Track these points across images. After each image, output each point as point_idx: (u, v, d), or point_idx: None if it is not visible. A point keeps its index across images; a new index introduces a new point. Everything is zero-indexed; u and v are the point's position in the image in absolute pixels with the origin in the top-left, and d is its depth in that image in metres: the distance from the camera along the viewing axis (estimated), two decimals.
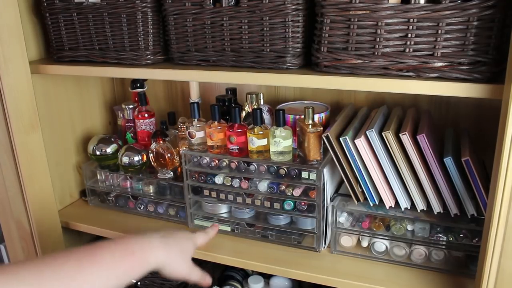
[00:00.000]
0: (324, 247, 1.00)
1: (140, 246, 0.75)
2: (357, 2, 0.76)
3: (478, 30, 0.71)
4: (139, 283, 1.21)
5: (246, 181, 1.00)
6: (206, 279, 0.87)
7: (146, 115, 1.20)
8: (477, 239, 0.87)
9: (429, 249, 0.92)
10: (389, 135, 0.85)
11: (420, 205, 0.89)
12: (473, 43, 0.72)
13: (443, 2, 0.71)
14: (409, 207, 0.91)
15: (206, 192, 1.05)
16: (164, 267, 0.78)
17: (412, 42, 0.75)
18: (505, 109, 0.66)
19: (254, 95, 1.08)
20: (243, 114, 1.08)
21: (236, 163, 1.00)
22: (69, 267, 0.65)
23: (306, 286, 1.16)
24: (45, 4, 1.03)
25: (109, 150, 1.19)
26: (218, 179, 1.02)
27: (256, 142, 0.96)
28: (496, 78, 0.72)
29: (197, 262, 1.07)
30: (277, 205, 0.99)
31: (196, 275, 0.85)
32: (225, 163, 1.01)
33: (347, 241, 0.98)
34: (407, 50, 0.76)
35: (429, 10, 0.72)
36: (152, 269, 0.76)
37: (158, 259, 0.76)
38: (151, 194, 1.16)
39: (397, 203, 0.92)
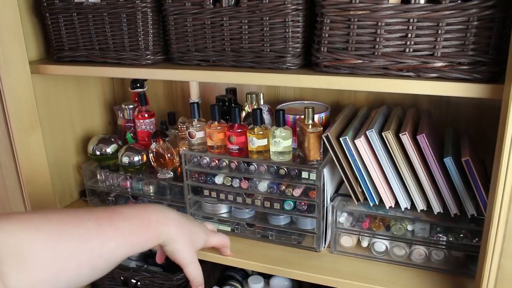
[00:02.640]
0: (324, 247, 1.00)
1: (157, 217, 0.75)
2: (357, 2, 0.76)
3: (478, 30, 0.71)
4: (139, 283, 1.21)
5: (246, 181, 1.00)
6: (201, 283, 0.83)
7: (146, 115, 1.20)
8: (477, 239, 0.87)
9: (429, 249, 0.92)
10: (389, 135, 0.85)
11: (420, 205, 0.89)
12: (473, 43, 0.72)
13: (443, 2, 0.71)
14: (409, 207, 0.91)
15: (206, 192, 1.05)
16: (170, 243, 0.77)
17: (412, 42, 0.75)
18: (505, 109, 0.66)
19: (254, 95, 1.08)
20: (243, 114, 1.08)
21: (236, 163, 1.00)
22: (90, 226, 0.65)
23: (306, 286, 1.16)
24: (45, 4, 1.03)
25: (109, 150, 1.19)
26: (218, 179, 1.02)
27: (256, 142, 0.96)
28: (496, 78, 0.72)
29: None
30: (277, 205, 0.99)
31: (196, 268, 0.81)
32: (225, 163, 1.01)
33: (347, 241, 0.98)
34: (407, 50, 0.76)
35: (429, 10, 0.72)
36: (161, 243, 0.76)
37: (169, 233, 0.76)
38: (151, 194, 1.16)
39: (397, 203, 0.92)
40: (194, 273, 0.81)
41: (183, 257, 0.79)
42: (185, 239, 0.79)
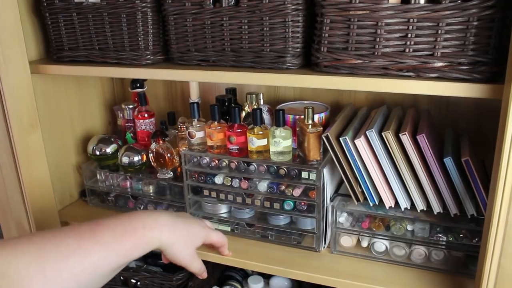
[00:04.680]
0: (324, 247, 1.00)
1: (143, 223, 0.74)
2: (357, 2, 0.76)
3: (478, 30, 0.71)
4: (139, 283, 1.21)
5: (246, 181, 1.00)
6: (204, 274, 0.89)
7: (146, 115, 1.20)
8: (477, 239, 0.87)
9: (429, 249, 0.92)
10: (389, 135, 0.85)
11: (420, 205, 0.89)
12: (473, 43, 0.72)
13: (443, 2, 0.71)
14: (409, 207, 0.91)
15: (206, 192, 1.05)
16: (168, 248, 0.78)
17: (412, 42, 0.75)
18: (505, 109, 0.66)
19: (254, 95, 1.08)
20: (243, 114, 1.08)
21: (236, 163, 1.00)
22: (70, 243, 0.67)
23: (306, 286, 1.16)
24: (45, 4, 1.03)
25: (109, 150, 1.19)
26: (218, 179, 1.02)
27: (256, 142, 0.96)
28: (496, 78, 0.72)
29: None
30: (277, 205, 0.99)
31: (197, 265, 0.86)
32: (225, 163, 1.01)
33: (347, 241, 0.98)
34: (407, 50, 0.76)
35: (429, 10, 0.72)
36: (155, 248, 0.76)
37: (161, 239, 0.76)
38: (151, 194, 1.16)
39: (397, 203, 0.92)
40: (197, 269, 0.86)
41: (183, 260, 0.82)
42: (182, 240, 0.80)
